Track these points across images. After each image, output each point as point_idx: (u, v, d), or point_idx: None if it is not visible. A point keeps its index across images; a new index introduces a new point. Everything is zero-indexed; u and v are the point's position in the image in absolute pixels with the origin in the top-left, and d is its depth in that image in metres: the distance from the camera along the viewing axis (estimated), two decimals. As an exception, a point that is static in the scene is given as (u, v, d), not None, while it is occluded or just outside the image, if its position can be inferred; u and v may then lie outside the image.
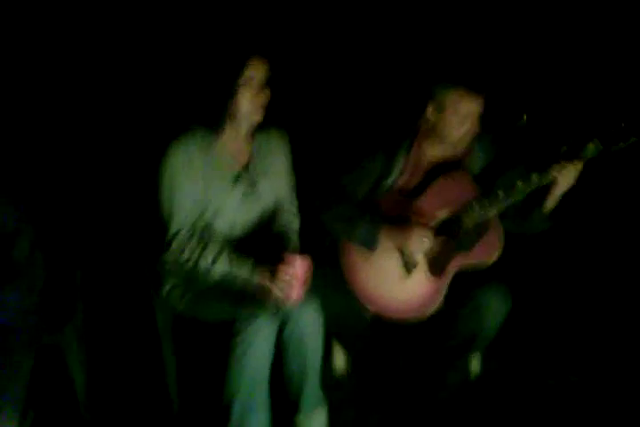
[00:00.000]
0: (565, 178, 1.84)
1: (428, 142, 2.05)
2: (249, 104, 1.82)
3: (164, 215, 1.86)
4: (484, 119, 1.97)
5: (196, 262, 1.84)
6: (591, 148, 1.81)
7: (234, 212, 1.91)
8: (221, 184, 1.89)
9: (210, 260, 1.83)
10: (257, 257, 1.85)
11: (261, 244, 1.95)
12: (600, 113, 2.34)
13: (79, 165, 2.68)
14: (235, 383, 1.77)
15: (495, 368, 2.29)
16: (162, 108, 2.62)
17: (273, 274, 1.77)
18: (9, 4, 2.56)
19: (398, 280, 2.02)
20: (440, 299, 1.99)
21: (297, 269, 1.76)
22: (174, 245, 1.84)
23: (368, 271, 2.05)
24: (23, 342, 1.75)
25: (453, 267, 1.97)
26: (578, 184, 1.86)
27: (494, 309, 1.93)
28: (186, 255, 1.84)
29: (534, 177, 1.86)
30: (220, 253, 1.84)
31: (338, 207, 2.03)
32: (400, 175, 2.06)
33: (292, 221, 2.05)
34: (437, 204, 1.99)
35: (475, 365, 2.23)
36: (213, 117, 1.85)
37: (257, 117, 1.86)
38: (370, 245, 1.99)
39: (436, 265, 1.99)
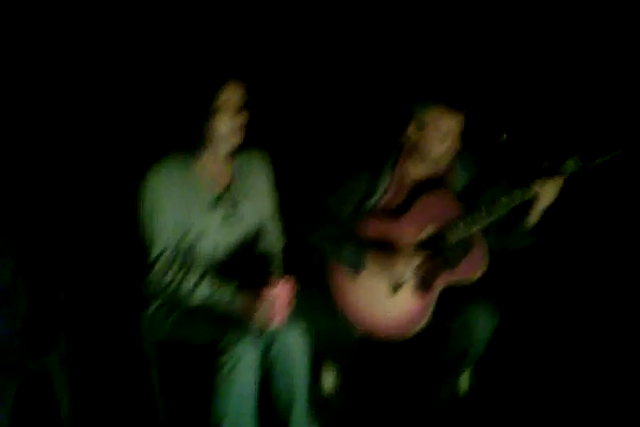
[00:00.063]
0: (547, 193, 1.87)
1: (410, 161, 2.07)
2: (226, 127, 1.82)
3: (145, 239, 1.85)
4: (465, 137, 2.00)
5: (179, 285, 1.83)
6: (571, 163, 1.85)
7: (216, 234, 1.91)
8: (202, 207, 1.88)
9: (192, 283, 1.83)
10: (241, 279, 1.84)
11: (245, 266, 1.94)
12: (579, 128, 2.37)
13: (60, 191, 2.67)
14: (222, 404, 1.75)
15: (484, 383, 2.28)
16: (139, 133, 2.62)
17: (255, 298, 1.76)
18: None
19: (386, 299, 2.03)
20: (428, 315, 1.99)
21: (280, 293, 1.75)
22: (157, 267, 1.84)
23: (356, 291, 2.05)
24: (6, 368, 1.73)
25: (440, 284, 1.98)
26: (561, 199, 1.88)
27: (482, 324, 1.93)
28: (168, 278, 1.83)
29: (516, 193, 1.88)
30: (202, 277, 1.84)
31: (324, 229, 2.04)
32: (384, 194, 2.07)
33: (275, 242, 2.04)
34: (421, 222, 2.01)
35: (464, 380, 2.23)
36: (191, 141, 1.85)
37: (235, 140, 1.86)
38: (356, 267, 2.00)
39: (423, 283, 1.99)
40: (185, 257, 1.88)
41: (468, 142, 2.02)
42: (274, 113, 2.75)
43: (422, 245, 2.01)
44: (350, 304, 2.05)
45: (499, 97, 2.76)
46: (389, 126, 2.12)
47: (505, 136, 1.97)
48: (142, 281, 1.89)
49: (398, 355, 2.21)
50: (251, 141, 1.94)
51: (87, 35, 2.68)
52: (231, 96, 1.81)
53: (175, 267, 1.84)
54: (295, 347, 1.82)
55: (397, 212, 2.05)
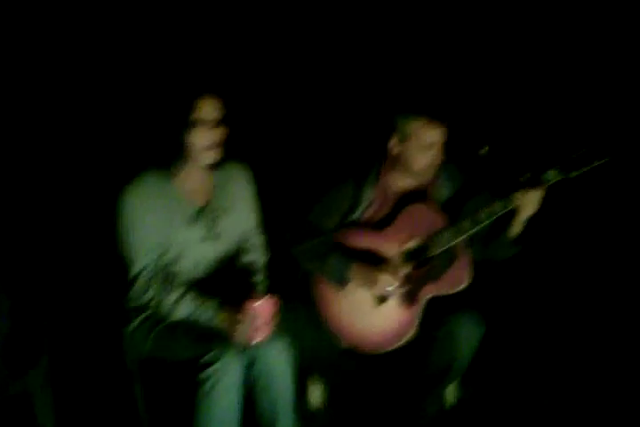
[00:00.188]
0: (529, 203, 1.88)
1: (394, 172, 2.08)
2: (204, 141, 1.80)
3: (125, 256, 1.83)
4: (448, 148, 2.01)
5: (160, 302, 1.82)
6: (552, 173, 1.86)
7: (197, 250, 1.89)
8: (182, 222, 1.86)
9: (173, 300, 1.81)
10: (223, 294, 1.82)
11: (228, 281, 1.93)
12: (561, 139, 2.40)
13: (41, 207, 2.64)
14: (204, 421, 1.73)
15: (471, 395, 2.28)
16: (117, 147, 2.60)
17: (238, 313, 1.74)
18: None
19: (371, 311, 2.02)
20: (414, 327, 1.99)
21: (262, 308, 1.73)
22: (137, 284, 1.82)
23: (341, 303, 2.04)
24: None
25: (425, 295, 1.98)
26: (544, 208, 1.90)
27: (467, 334, 1.93)
28: (149, 295, 1.82)
29: (498, 204, 1.90)
30: (183, 294, 1.82)
31: (308, 241, 2.03)
32: (368, 206, 2.08)
33: (258, 257, 2.02)
34: (406, 233, 2.01)
35: (451, 392, 2.23)
36: (167, 158, 1.83)
37: (214, 153, 1.84)
38: (340, 282, 2.00)
39: (408, 294, 1.99)
40: (166, 274, 1.86)
41: (451, 154, 2.03)
42: (256, 125, 2.75)
43: (407, 257, 2.01)
44: (335, 317, 2.05)
45: (480, 108, 2.80)
46: (373, 137, 2.13)
47: (487, 148, 1.98)
48: (124, 297, 1.87)
49: (384, 367, 2.21)
50: (233, 154, 1.93)
51: (62, 49, 2.66)
52: (206, 112, 1.78)
53: (156, 284, 1.82)
54: (278, 363, 1.80)
55: (382, 223, 2.05)
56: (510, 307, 2.72)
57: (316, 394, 2.24)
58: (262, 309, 1.73)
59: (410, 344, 2.00)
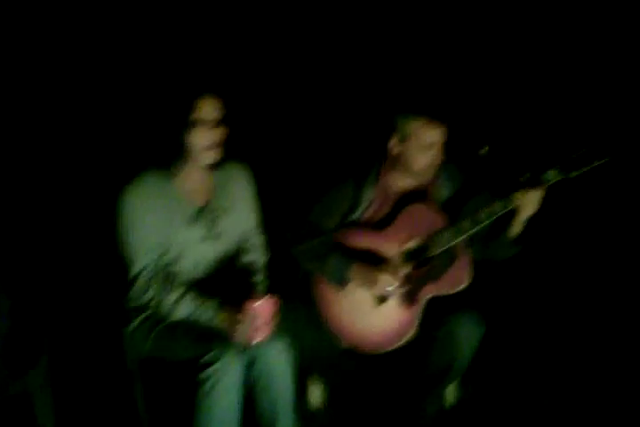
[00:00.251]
0: (528, 203, 1.88)
1: (394, 172, 2.08)
2: (201, 143, 1.80)
3: (125, 256, 1.83)
4: (448, 148, 2.01)
5: (160, 302, 1.82)
6: (552, 174, 1.86)
7: (196, 251, 1.89)
8: (182, 222, 1.86)
9: (173, 300, 1.81)
10: (224, 294, 1.82)
11: (228, 281, 1.93)
12: (561, 139, 2.40)
13: (40, 207, 2.64)
14: (204, 421, 1.73)
15: (471, 395, 2.28)
16: (117, 147, 2.60)
17: (238, 313, 1.74)
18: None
19: (371, 311, 2.02)
20: (414, 327, 1.99)
21: (262, 308, 1.73)
22: (137, 284, 1.82)
23: (341, 303, 2.05)
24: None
25: (425, 295, 1.98)
26: (545, 208, 1.90)
27: (467, 334, 1.93)
28: (149, 295, 1.82)
29: (498, 204, 1.90)
30: (183, 294, 1.82)
31: (308, 242, 2.03)
32: (368, 206, 2.08)
33: (258, 257, 2.02)
34: (406, 233, 2.01)
35: (451, 392, 2.23)
36: (167, 158, 1.83)
37: (214, 153, 1.83)
38: (340, 282, 2.00)
39: (408, 294, 1.99)
40: (166, 274, 1.85)
41: (451, 154, 2.03)
42: (257, 125, 2.75)
43: (407, 257, 2.01)
44: (335, 317, 2.05)
45: (480, 108, 2.80)
46: (373, 137, 2.13)
47: (487, 148, 1.98)
48: (124, 297, 1.87)
49: (385, 367, 2.21)
50: (233, 154, 1.93)
51: (62, 50, 2.66)
52: (206, 112, 1.78)
53: (156, 284, 1.82)
54: (278, 363, 1.81)
55: (382, 223, 2.05)
56: (510, 307, 2.72)
57: (316, 394, 2.24)
58: (262, 309, 1.73)
59: (410, 344, 2.00)
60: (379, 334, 2.02)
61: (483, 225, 1.92)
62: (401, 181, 2.08)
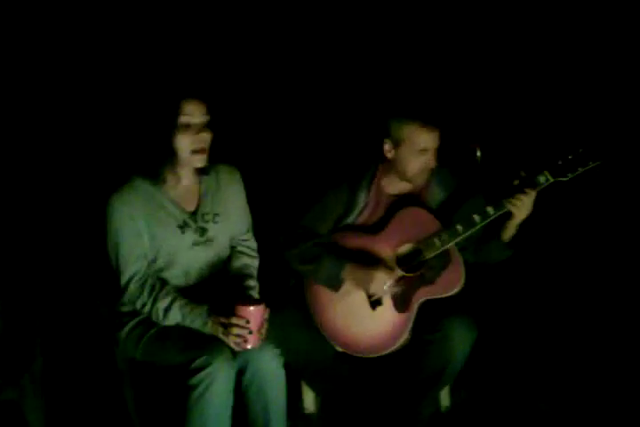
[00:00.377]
0: (521, 207, 1.88)
1: (387, 177, 2.08)
2: (188, 147, 1.79)
3: (114, 265, 1.83)
4: (441, 153, 2.01)
5: (150, 310, 1.81)
6: (545, 176, 1.87)
7: (187, 257, 1.87)
8: (171, 229, 1.85)
9: (163, 308, 1.80)
10: (215, 301, 1.80)
11: (219, 287, 1.91)
12: (552, 142, 2.41)
13: (33, 210, 2.63)
14: (195, 426, 1.72)
15: (464, 398, 2.29)
16: (103, 156, 2.60)
17: (228, 322, 1.72)
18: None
19: (365, 316, 2.02)
20: (407, 331, 1.99)
21: (254, 313, 1.72)
22: (128, 292, 1.82)
23: (335, 307, 2.04)
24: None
25: (418, 299, 1.98)
26: (538, 212, 1.91)
27: (460, 338, 1.93)
28: (140, 302, 1.82)
29: (491, 208, 1.90)
30: (171, 304, 1.80)
31: (302, 245, 2.03)
32: (362, 210, 2.08)
33: (249, 262, 1.99)
34: (399, 237, 2.01)
35: (445, 396, 2.23)
36: (155, 163, 1.81)
37: (199, 159, 1.82)
38: (333, 285, 2.00)
39: (401, 299, 1.99)
40: (155, 283, 1.84)
41: (445, 158, 2.04)
42: (251, 128, 2.76)
43: (400, 261, 2.01)
44: (329, 321, 2.05)
45: (473, 112, 2.81)
46: (367, 141, 2.13)
47: (479, 154, 1.99)
48: (116, 302, 1.87)
49: (379, 370, 2.21)
50: (227, 157, 1.92)
51: (49, 55, 2.66)
52: (191, 117, 1.77)
53: (147, 291, 1.81)
54: (270, 369, 1.80)
55: (376, 227, 2.05)
56: (503, 310, 2.73)
57: (310, 398, 2.24)
58: (254, 313, 1.72)
59: (403, 348, 2.00)
60: (373, 337, 2.02)
61: (476, 229, 1.92)
62: (395, 185, 2.08)
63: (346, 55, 2.88)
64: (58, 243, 2.66)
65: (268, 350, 1.80)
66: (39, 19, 2.64)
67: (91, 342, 2.37)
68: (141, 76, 2.59)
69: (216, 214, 1.91)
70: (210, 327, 1.76)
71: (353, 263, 1.99)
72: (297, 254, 2.04)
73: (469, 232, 1.92)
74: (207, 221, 1.90)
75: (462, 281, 1.95)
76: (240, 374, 1.79)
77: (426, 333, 1.96)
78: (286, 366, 1.85)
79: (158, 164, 1.81)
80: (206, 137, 1.81)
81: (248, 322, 1.71)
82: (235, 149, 1.98)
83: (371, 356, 2.03)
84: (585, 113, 2.70)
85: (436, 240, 1.95)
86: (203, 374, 1.69)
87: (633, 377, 2.35)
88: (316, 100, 2.90)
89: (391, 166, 2.04)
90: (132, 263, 1.81)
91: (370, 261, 2.00)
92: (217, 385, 1.69)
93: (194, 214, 1.89)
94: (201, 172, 1.88)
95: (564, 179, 1.86)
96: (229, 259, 1.97)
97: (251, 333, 1.71)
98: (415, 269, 2.00)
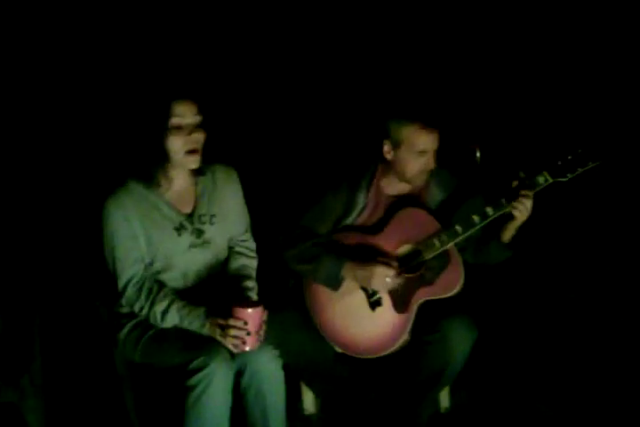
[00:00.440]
0: (521, 207, 1.88)
1: (386, 178, 2.08)
2: (181, 148, 1.77)
3: (111, 269, 1.83)
4: (441, 154, 2.01)
5: (148, 313, 1.81)
6: (544, 177, 1.87)
7: (185, 259, 1.86)
8: (167, 233, 1.84)
9: (159, 315, 1.79)
10: (213, 302, 1.80)
11: (218, 288, 1.91)
12: (551, 143, 2.42)
13: (33, 211, 2.64)
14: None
15: (464, 399, 2.29)
16: (98, 159, 2.60)
17: (226, 323, 1.71)
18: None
19: (364, 316, 2.02)
20: (407, 331, 1.99)
21: (251, 317, 1.71)
22: (126, 295, 1.81)
23: (335, 308, 2.04)
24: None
25: (417, 299, 1.98)
26: (538, 213, 1.91)
27: (459, 339, 1.93)
28: (139, 305, 1.81)
29: (490, 208, 1.90)
30: (169, 306, 1.79)
31: (302, 245, 2.03)
32: (362, 211, 2.08)
33: (248, 263, 1.98)
34: (398, 239, 2.01)
35: (445, 397, 2.22)
36: (149, 165, 1.80)
37: (193, 160, 1.80)
38: (332, 284, 2.00)
39: (401, 299, 1.99)
40: (153, 286, 1.83)
41: (444, 159, 2.04)
42: (250, 129, 2.76)
43: (399, 262, 2.01)
44: (329, 321, 2.05)
45: (473, 113, 2.81)
46: (367, 142, 2.13)
47: (479, 154, 1.99)
48: (115, 304, 1.87)
49: (378, 371, 2.21)
50: (225, 158, 1.92)
51: (41, 56, 2.66)
52: (183, 117, 1.75)
53: (143, 296, 1.81)
54: (269, 371, 1.79)
55: (375, 228, 2.05)
56: (503, 311, 2.73)
57: (310, 399, 2.24)
58: (253, 315, 1.71)
59: (403, 349, 2.00)
60: (372, 338, 2.02)
61: (475, 229, 1.92)
62: (394, 186, 2.08)
63: (345, 56, 2.88)
64: (57, 243, 2.65)
65: (266, 351, 1.79)
66: (31, 21, 2.63)
67: (90, 343, 2.37)
68: (132, 79, 2.58)
69: (213, 215, 1.90)
70: (208, 329, 1.75)
71: (352, 261, 1.99)
72: (296, 254, 2.04)
73: (469, 233, 1.92)
74: (204, 223, 1.88)
75: (462, 282, 1.95)
76: (239, 375, 1.79)
77: (425, 333, 1.96)
78: (286, 367, 1.85)
79: (152, 166, 1.80)
80: (199, 137, 1.79)
81: (246, 324, 1.70)
82: (235, 150, 1.98)
83: (370, 357, 2.03)
84: (584, 113, 2.71)
85: (436, 241, 1.95)
86: (200, 374, 1.68)
87: (633, 378, 2.35)
88: (316, 100, 2.90)
89: (390, 167, 2.04)
90: (129, 267, 1.80)
91: (369, 259, 1.99)
92: (215, 386, 1.69)
93: (190, 216, 1.88)
94: (197, 172, 1.87)
95: (564, 179, 1.87)
96: (228, 260, 1.97)
97: (249, 334, 1.71)
98: (414, 269, 2.00)
